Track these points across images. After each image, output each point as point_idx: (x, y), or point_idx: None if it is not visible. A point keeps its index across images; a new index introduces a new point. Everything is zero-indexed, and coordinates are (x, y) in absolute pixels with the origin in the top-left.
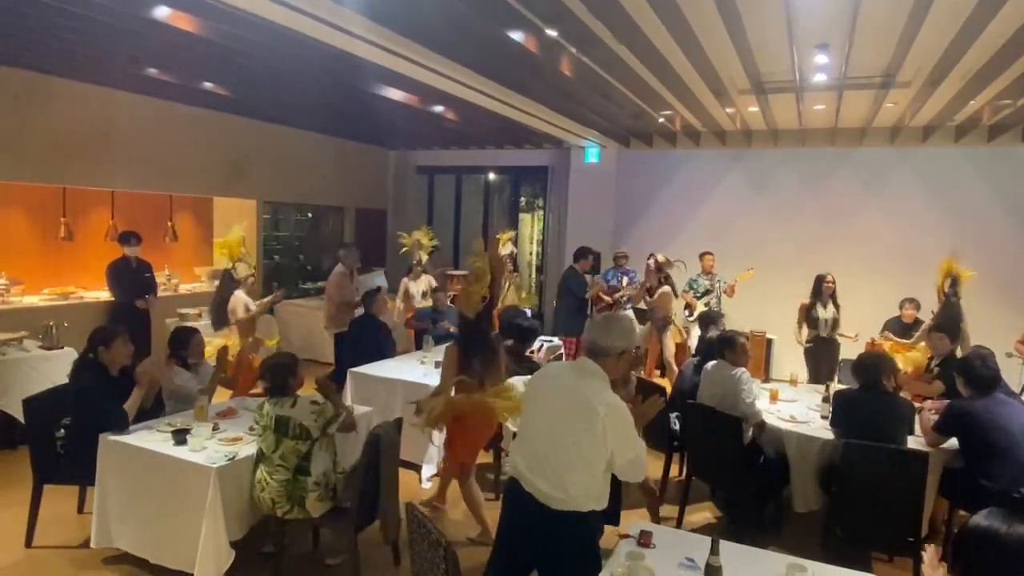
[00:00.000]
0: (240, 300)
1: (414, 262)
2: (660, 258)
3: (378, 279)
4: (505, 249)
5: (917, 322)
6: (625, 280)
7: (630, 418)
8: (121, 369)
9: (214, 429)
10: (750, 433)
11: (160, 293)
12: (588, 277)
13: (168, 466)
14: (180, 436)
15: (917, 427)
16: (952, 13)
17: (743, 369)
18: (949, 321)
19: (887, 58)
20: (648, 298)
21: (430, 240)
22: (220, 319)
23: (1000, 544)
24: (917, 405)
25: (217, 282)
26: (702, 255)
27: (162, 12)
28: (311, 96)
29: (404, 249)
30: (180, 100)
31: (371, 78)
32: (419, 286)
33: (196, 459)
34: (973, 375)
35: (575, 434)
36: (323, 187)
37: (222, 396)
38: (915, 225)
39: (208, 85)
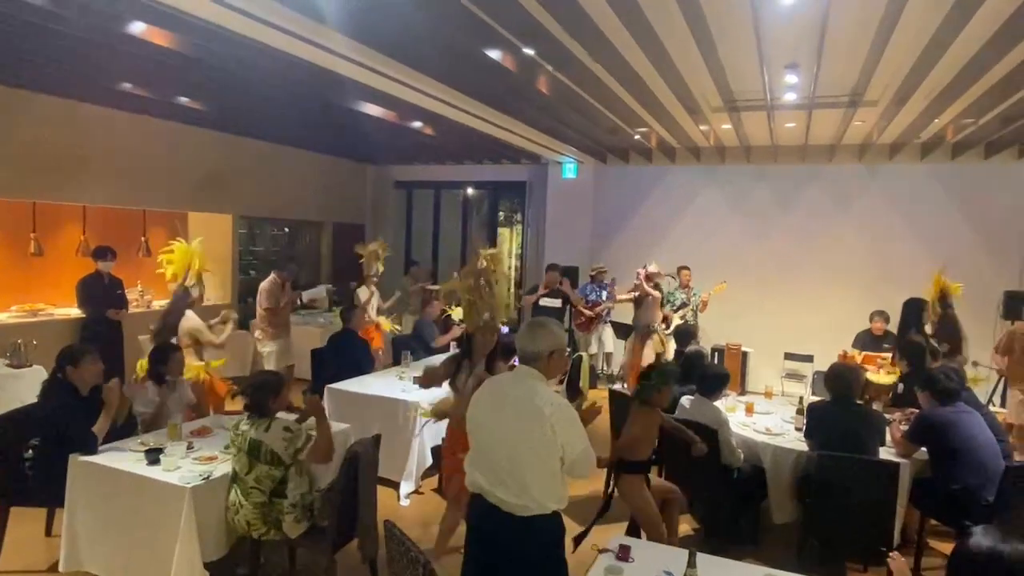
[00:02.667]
0: (196, 328)
1: (369, 273)
2: (652, 268)
3: (317, 291)
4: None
5: (887, 334)
6: (604, 295)
7: (575, 413)
8: (92, 388)
9: (188, 448)
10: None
11: (133, 309)
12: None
13: (140, 486)
14: (153, 455)
15: (889, 438)
16: (915, 35)
17: (726, 418)
18: (949, 333)
19: (854, 78)
20: (636, 308)
21: (385, 251)
22: (164, 336)
23: (1002, 560)
24: (888, 417)
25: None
26: (679, 269)
27: (137, 28)
28: (288, 111)
29: (362, 259)
30: (155, 114)
31: (349, 94)
32: (364, 294)
33: (169, 479)
34: (938, 387)
35: (528, 438)
36: (300, 202)
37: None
38: (883, 239)
39: (183, 100)
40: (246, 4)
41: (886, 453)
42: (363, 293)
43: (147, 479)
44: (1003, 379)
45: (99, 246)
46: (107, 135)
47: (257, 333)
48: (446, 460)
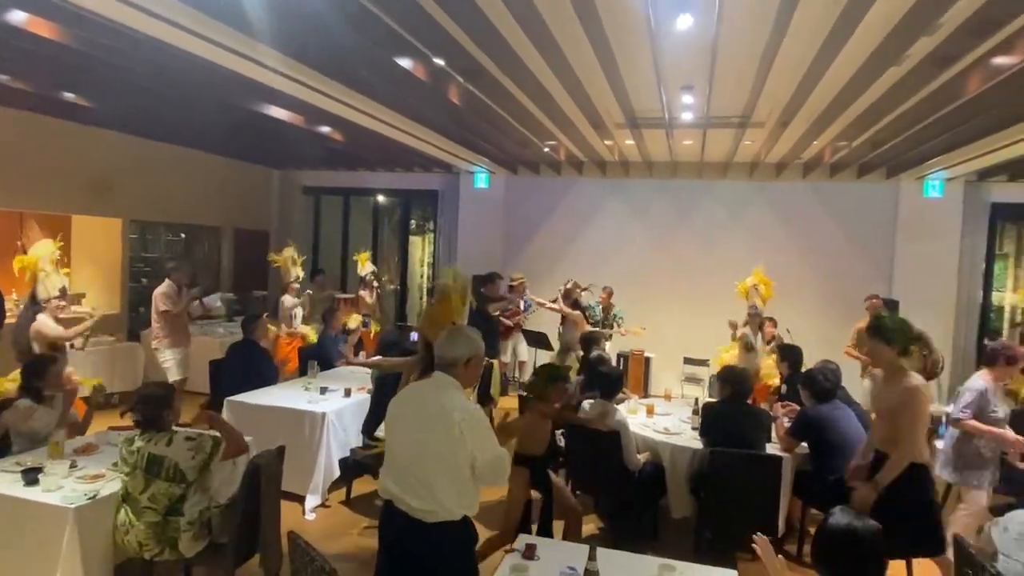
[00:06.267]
0: (43, 325)
1: (290, 280)
2: (569, 285)
3: (212, 299)
4: (365, 270)
5: (775, 338)
6: (522, 304)
7: (485, 421)
8: None
9: (71, 467)
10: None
11: (8, 319)
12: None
13: (16, 510)
14: (30, 476)
15: (774, 434)
16: (794, 64)
17: (626, 421)
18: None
19: (743, 101)
20: (562, 325)
21: (299, 257)
22: (23, 351)
23: (857, 536)
24: (772, 414)
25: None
26: (604, 289)
27: (17, 17)
28: (186, 111)
29: (276, 266)
30: (36, 110)
31: (252, 96)
32: (296, 305)
33: (50, 500)
34: (817, 387)
35: (436, 443)
36: (198, 206)
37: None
38: (771, 251)
39: (69, 95)
40: None
41: (772, 448)
42: (288, 301)
43: (24, 501)
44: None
45: None
46: None
47: (154, 343)
48: None
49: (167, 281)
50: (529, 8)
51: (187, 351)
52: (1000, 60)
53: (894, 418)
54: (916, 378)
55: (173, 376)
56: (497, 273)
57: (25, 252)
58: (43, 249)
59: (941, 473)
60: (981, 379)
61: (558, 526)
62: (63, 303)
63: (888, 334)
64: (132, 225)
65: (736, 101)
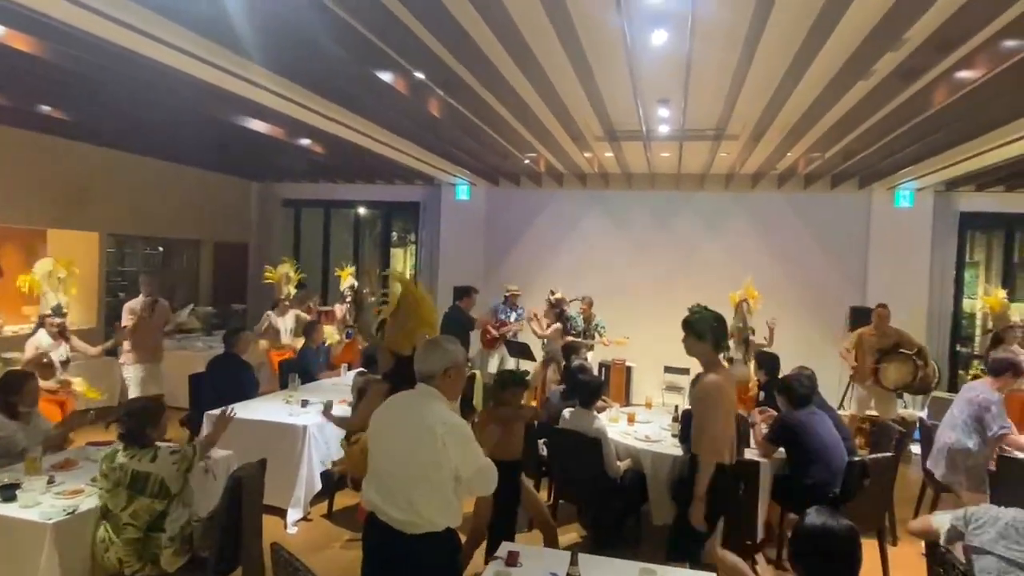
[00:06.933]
0: (33, 343)
1: (281, 297)
2: (555, 296)
3: (180, 314)
4: (344, 284)
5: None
6: (513, 316)
7: (469, 432)
8: None
9: (49, 482)
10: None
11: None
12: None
13: None
14: (7, 492)
15: (752, 440)
16: (765, 79)
17: (605, 429)
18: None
19: (718, 114)
20: (543, 332)
21: (297, 274)
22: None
23: (833, 534)
24: (750, 419)
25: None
26: (583, 299)
27: None
28: (165, 124)
29: (269, 282)
30: (10, 123)
31: (232, 109)
32: (287, 322)
33: (28, 516)
34: (793, 393)
35: (419, 456)
36: (177, 219)
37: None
38: (749, 260)
39: (45, 108)
40: (116, 10)
41: (750, 454)
42: (282, 323)
43: (1, 517)
44: (851, 383)
45: None
46: None
47: (121, 358)
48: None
49: (140, 296)
50: (508, 23)
51: (154, 368)
52: (963, 74)
53: (694, 415)
54: (717, 375)
55: (133, 394)
56: (473, 287)
57: (0, 270)
58: (44, 267)
59: (945, 479)
60: (990, 389)
61: (534, 537)
62: (58, 320)
63: (698, 327)
64: (109, 239)
65: (711, 114)
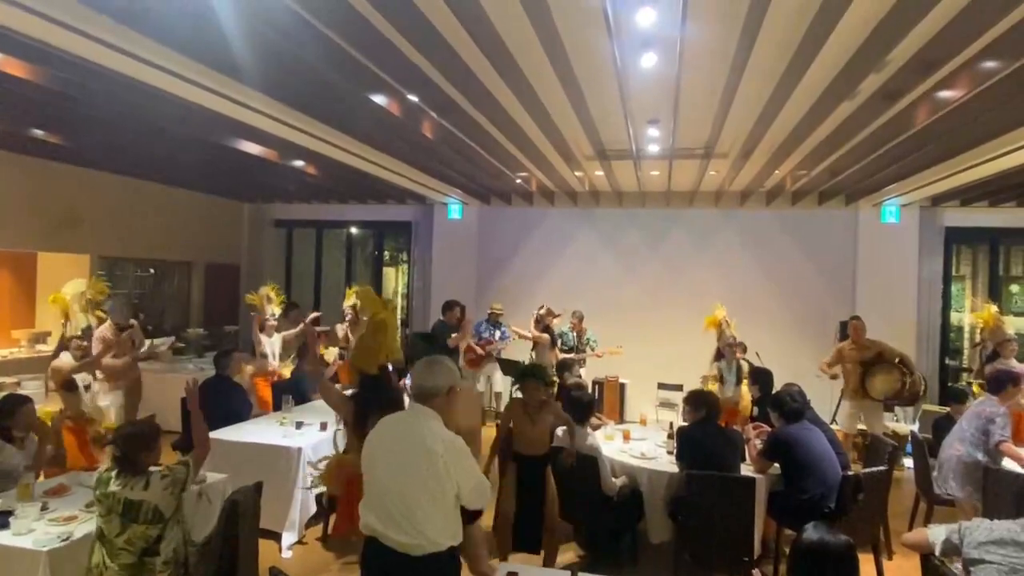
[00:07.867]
0: (60, 364)
1: (266, 318)
2: (542, 311)
3: (163, 342)
4: (347, 303)
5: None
6: (498, 334)
7: (466, 449)
8: None
9: (43, 509)
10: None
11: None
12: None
13: None
14: (0, 519)
15: (747, 456)
16: (752, 100)
17: (598, 446)
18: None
19: (706, 133)
20: (533, 350)
21: (279, 295)
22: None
23: (830, 549)
24: (744, 435)
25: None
26: (573, 314)
27: None
28: (156, 147)
29: (251, 304)
30: (1, 146)
31: (224, 131)
32: (274, 344)
33: (22, 543)
34: (786, 409)
35: (420, 477)
36: (168, 241)
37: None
38: (738, 276)
39: (37, 132)
40: (110, 36)
41: (745, 469)
42: (268, 345)
43: None
44: (841, 399)
45: None
46: None
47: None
48: (338, 519)
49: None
50: (500, 47)
51: (132, 398)
52: (944, 94)
53: None
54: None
55: (115, 420)
56: (456, 301)
57: None
58: (75, 287)
59: (953, 493)
60: (996, 403)
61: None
62: (85, 344)
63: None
64: (100, 261)
65: (700, 134)
